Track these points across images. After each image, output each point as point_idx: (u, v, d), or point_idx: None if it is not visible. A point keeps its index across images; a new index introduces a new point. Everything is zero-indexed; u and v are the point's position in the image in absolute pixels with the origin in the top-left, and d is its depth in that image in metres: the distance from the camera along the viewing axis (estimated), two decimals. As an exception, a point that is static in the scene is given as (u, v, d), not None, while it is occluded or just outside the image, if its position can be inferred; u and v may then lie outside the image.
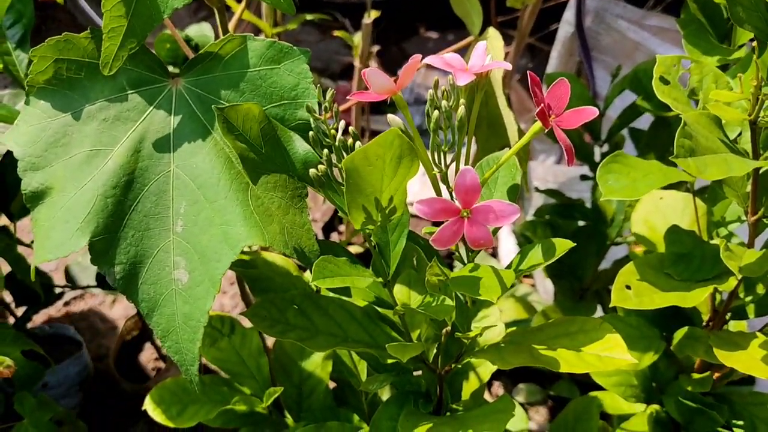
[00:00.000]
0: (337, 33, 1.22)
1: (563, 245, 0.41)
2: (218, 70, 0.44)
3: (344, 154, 0.38)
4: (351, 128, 0.39)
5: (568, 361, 0.41)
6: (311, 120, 0.38)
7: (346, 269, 0.41)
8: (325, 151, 0.38)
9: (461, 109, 0.38)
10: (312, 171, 0.38)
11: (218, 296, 1.38)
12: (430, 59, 0.40)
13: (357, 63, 1.26)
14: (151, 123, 0.43)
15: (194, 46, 0.99)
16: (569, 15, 1.19)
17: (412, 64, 0.39)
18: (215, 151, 0.42)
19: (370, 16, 1.18)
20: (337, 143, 0.38)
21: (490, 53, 0.66)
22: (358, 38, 1.22)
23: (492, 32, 0.65)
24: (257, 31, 1.31)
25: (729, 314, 0.60)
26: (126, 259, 0.42)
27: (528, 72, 0.38)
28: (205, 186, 0.42)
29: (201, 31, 0.99)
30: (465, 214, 0.35)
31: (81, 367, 1.06)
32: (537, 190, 0.94)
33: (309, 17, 1.20)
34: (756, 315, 0.58)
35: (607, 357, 0.41)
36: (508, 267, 0.43)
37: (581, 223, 0.89)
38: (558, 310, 0.91)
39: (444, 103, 0.38)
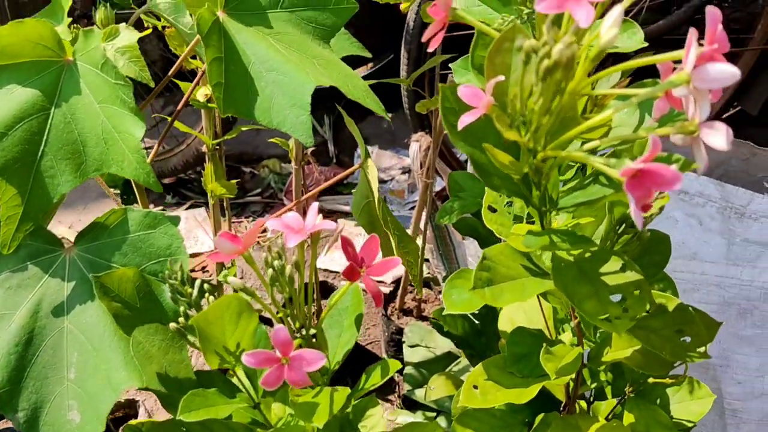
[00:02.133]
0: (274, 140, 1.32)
1: (394, 365, 0.50)
2: (104, 237, 0.53)
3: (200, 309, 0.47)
4: (206, 285, 0.47)
5: (403, 465, 0.49)
6: (167, 283, 0.47)
7: (214, 399, 0.49)
8: (182, 308, 0.47)
9: (289, 268, 0.47)
10: (172, 324, 0.47)
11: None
12: (270, 223, 0.50)
13: (294, 164, 1.37)
14: (48, 288, 0.52)
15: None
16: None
17: (254, 229, 0.48)
18: (102, 308, 0.51)
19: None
20: (192, 300, 0.47)
21: (371, 179, 0.76)
22: (292, 142, 1.33)
23: (370, 163, 0.75)
24: (201, 143, 1.41)
25: (592, 397, 0.68)
26: (28, 406, 0.50)
27: (341, 236, 0.47)
28: (93, 338, 0.50)
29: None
30: (284, 361, 0.43)
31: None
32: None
33: (244, 129, 1.30)
34: (613, 396, 0.66)
35: (436, 459, 0.49)
36: (355, 385, 0.51)
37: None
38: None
39: (276, 262, 0.47)
